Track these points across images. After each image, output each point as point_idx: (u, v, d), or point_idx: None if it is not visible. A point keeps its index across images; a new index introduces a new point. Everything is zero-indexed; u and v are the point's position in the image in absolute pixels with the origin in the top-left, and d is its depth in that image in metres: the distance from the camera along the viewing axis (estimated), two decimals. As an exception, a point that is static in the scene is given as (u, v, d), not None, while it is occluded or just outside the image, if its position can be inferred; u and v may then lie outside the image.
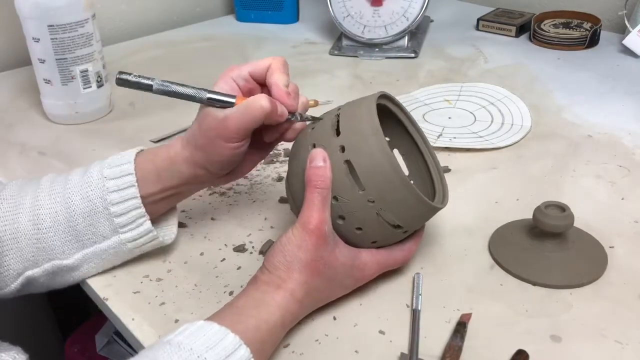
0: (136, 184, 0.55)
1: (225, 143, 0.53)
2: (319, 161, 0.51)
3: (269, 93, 0.55)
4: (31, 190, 0.57)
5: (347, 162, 0.51)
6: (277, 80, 0.54)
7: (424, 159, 0.60)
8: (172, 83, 0.54)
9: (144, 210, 0.56)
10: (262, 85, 0.56)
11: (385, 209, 0.51)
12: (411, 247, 0.56)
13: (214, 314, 0.48)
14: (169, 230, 0.61)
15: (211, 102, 0.53)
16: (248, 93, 0.56)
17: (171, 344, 0.43)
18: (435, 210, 0.53)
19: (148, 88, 0.54)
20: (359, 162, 0.50)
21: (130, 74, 0.54)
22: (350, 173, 0.51)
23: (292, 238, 0.50)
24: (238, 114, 0.52)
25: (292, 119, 0.55)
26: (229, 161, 0.55)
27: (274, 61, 0.55)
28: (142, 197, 0.56)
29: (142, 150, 0.58)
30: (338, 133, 0.52)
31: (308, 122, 0.56)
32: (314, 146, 0.52)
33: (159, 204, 0.58)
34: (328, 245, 0.50)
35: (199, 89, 0.54)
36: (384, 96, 0.56)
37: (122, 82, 0.54)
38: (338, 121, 0.53)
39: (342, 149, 0.51)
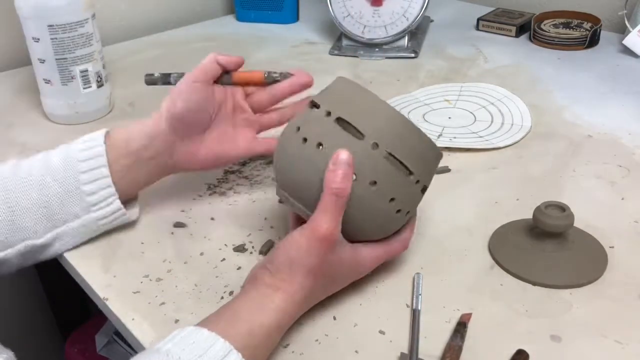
0: (106, 164, 0.59)
1: (194, 83, 0.60)
2: (344, 166, 0.48)
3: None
4: (8, 172, 0.58)
5: (389, 154, 0.50)
6: (227, 57, 0.63)
7: None
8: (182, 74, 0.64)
9: (113, 189, 0.59)
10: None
11: (423, 180, 0.53)
12: (406, 237, 0.56)
13: (210, 316, 0.48)
14: (132, 210, 0.64)
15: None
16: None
17: (160, 352, 0.43)
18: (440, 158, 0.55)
19: (168, 82, 0.66)
20: (398, 150, 0.50)
21: (153, 74, 0.68)
22: (393, 162, 0.50)
23: (301, 242, 0.48)
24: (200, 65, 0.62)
25: (271, 79, 0.63)
26: (198, 103, 0.61)
27: (214, 53, 0.63)
28: (113, 172, 0.59)
29: (108, 131, 0.62)
30: (360, 134, 0.50)
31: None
32: None
33: (130, 181, 0.62)
34: (335, 250, 0.50)
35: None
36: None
37: (149, 82, 0.68)
38: (346, 122, 0.51)
39: (376, 145, 0.50)
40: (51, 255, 0.60)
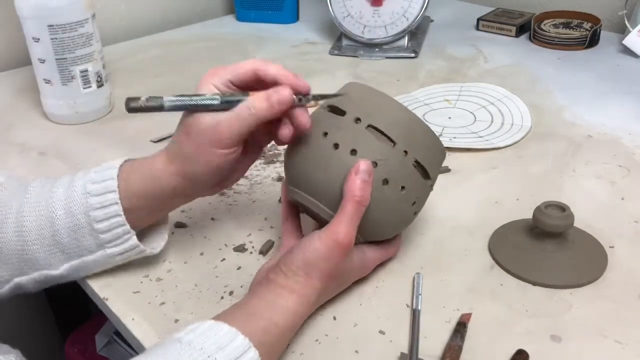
0: (119, 201, 0.53)
1: (217, 149, 0.51)
2: (365, 175, 0.50)
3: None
4: (17, 199, 0.55)
5: (416, 162, 0.52)
6: (276, 70, 0.51)
7: None
8: (183, 96, 0.51)
9: (128, 227, 0.54)
10: (242, 90, 0.53)
11: (434, 183, 0.56)
12: (398, 239, 0.59)
13: (224, 312, 0.48)
14: (156, 243, 0.59)
15: (226, 106, 0.50)
16: None
17: (181, 342, 0.43)
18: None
19: (160, 108, 0.51)
20: (423, 157, 0.53)
21: (138, 99, 0.51)
22: (419, 169, 0.53)
23: (319, 247, 0.49)
24: (230, 120, 0.50)
25: (303, 102, 0.51)
26: (220, 169, 0.53)
27: (256, 61, 0.52)
28: (128, 210, 0.54)
29: (126, 161, 0.56)
30: (392, 142, 0.52)
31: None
32: (375, 164, 0.51)
33: (147, 217, 0.57)
34: (349, 255, 0.52)
35: (211, 95, 0.51)
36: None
37: (132, 109, 0.51)
38: (377, 129, 0.52)
39: (405, 153, 0.52)
40: (68, 281, 0.58)
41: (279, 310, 0.48)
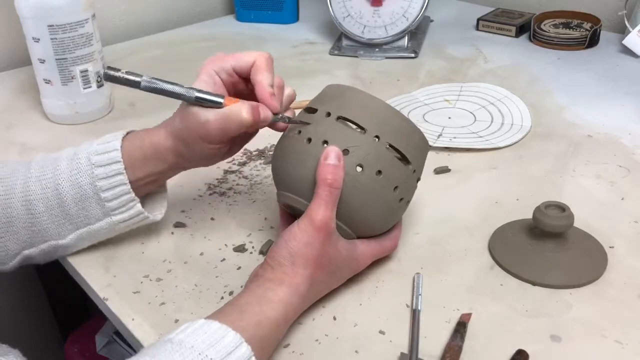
0: (124, 171, 0.56)
1: (207, 144, 0.54)
2: (333, 159, 0.51)
3: (253, 90, 0.55)
4: (21, 175, 0.58)
5: (390, 146, 0.53)
6: (261, 79, 0.54)
7: None
8: (161, 80, 0.54)
9: (133, 195, 0.57)
10: (246, 80, 0.56)
11: (418, 170, 0.56)
12: (396, 236, 0.58)
13: (216, 311, 0.48)
14: (158, 210, 0.62)
15: (199, 102, 0.53)
16: (232, 87, 0.56)
17: (172, 342, 0.43)
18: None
19: (136, 85, 0.53)
20: (396, 141, 0.53)
21: (118, 70, 0.53)
22: (394, 153, 0.53)
23: (298, 233, 0.50)
24: (219, 122, 0.53)
25: (278, 120, 0.55)
26: (212, 157, 0.57)
27: (259, 57, 0.54)
28: (130, 182, 0.57)
29: (128, 133, 0.58)
30: (362, 129, 0.53)
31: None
32: (347, 152, 0.52)
33: (148, 186, 0.59)
34: (332, 241, 0.51)
35: (187, 87, 0.53)
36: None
37: (110, 78, 0.53)
38: (347, 119, 0.53)
39: (377, 138, 0.52)
40: (72, 252, 0.61)
41: (269, 303, 0.48)
